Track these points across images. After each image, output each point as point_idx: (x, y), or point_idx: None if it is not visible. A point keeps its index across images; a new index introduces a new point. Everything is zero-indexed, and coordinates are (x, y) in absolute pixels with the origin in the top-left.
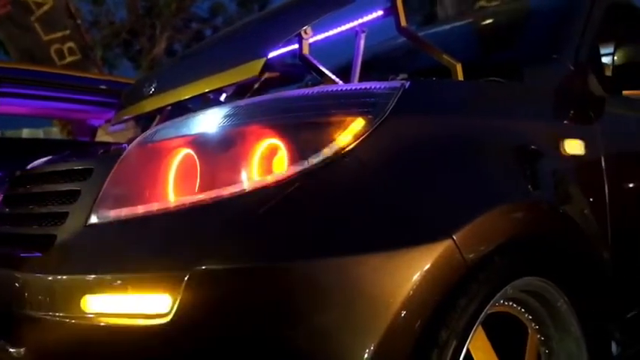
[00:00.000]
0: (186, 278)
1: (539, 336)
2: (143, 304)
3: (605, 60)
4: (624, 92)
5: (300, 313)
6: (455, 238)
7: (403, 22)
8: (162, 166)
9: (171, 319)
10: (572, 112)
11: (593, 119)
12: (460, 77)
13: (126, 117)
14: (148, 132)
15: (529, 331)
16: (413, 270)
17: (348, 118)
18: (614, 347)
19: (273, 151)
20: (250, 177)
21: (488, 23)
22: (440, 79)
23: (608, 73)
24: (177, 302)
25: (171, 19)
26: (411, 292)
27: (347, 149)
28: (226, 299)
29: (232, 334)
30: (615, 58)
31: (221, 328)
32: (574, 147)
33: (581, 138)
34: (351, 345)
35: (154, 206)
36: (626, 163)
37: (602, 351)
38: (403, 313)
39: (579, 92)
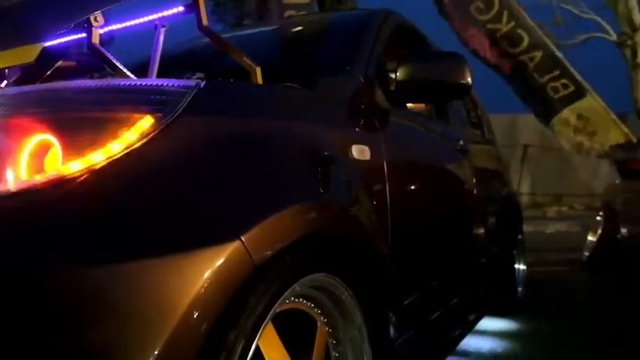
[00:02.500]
0: None
1: (327, 328)
2: None
3: (390, 75)
4: (408, 105)
5: (76, 326)
6: (243, 239)
7: (204, 21)
8: None
9: None
10: (360, 120)
11: (378, 128)
12: (259, 81)
13: None
14: None
15: (318, 324)
16: (199, 273)
17: (135, 115)
18: (392, 332)
19: (45, 148)
20: (17, 176)
21: (292, 32)
22: (237, 81)
23: (393, 87)
24: None
25: None
26: (198, 296)
27: (132, 148)
28: None
29: None
30: (398, 74)
31: None
32: (361, 153)
33: (367, 145)
34: (132, 355)
35: None
36: (405, 168)
37: (381, 336)
38: (189, 318)
39: (367, 103)
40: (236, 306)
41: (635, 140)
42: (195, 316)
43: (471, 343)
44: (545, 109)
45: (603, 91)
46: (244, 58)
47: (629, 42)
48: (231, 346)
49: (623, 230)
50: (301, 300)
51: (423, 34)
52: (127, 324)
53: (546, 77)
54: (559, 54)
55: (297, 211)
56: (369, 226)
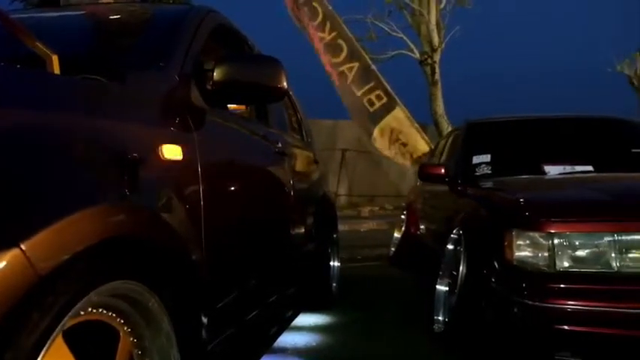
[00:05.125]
0: None
1: (132, 338)
2: None
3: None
4: (230, 106)
5: None
6: (24, 246)
7: None
8: None
9: None
10: (173, 119)
11: (193, 128)
12: (56, 70)
13: None
14: None
15: (121, 334)
16: None
17: None
18: (205, 335)
19: None
20: None
21: (102, 19)
22: (26, 68)
23: (210, 87)
24: None
25: None
26: None
27: None
28: None
29: None
30: (215, 74)
31: None
32: (173, 153)
33: (180, 145)
34: None
35: None
36: (220, 170)
37: (191, 341)
38: None
39: (182, 102)
40: (14, 322)
41: (432, 147)
42: None
43: (287, 339)
44: (365, 124)
45: (408, 103)
46: (37, 44)
47: (429, 61)
48: None
49: (421, 227)
50: (101, 310)
51: (244, 36)
52: None
53: (363, 89)
54: (373, 67)
55: (94, 213)
56: (179, 229)
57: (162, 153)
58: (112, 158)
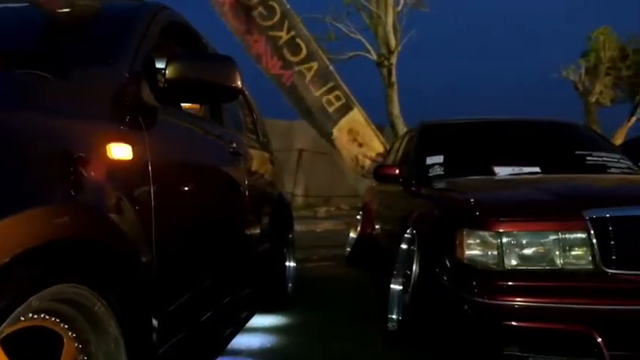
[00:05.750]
0: None
1: (77, 343)
2: None
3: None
4: (184, 105)
5: None
6: None
7: None
8: None
9: None
10: (123, 117)
11: (144, 127)
12: None
13: None
14: None
15: (65, 340)
16: None
17: None
18: (155, 338)
19: None
20: None
21: (48, 12)
22: None
23: (162, 85)
24: None
25: None
26: None
27: None
28: None
29: None
30: (167, 71)
31: None
32: (122, 152)
33: (130, 144)
34: None
35: None
36: (172, 169)
37: (141, 344)
38: None
39: (132, 99)
40: None
41: (388, 148)
42: None
43: (241, 341)
44: (323, 124)
45: (365, 104)
46: None
47: (386, 62)
48: None
49: (377, 227)
50: (43, 315)
51: (197, 33)
52: None
53: (322, 89)
54: (331, 67)
55: (36, 215)
56: (128, 230)
57: (110, 152)
58: (55, 157)
